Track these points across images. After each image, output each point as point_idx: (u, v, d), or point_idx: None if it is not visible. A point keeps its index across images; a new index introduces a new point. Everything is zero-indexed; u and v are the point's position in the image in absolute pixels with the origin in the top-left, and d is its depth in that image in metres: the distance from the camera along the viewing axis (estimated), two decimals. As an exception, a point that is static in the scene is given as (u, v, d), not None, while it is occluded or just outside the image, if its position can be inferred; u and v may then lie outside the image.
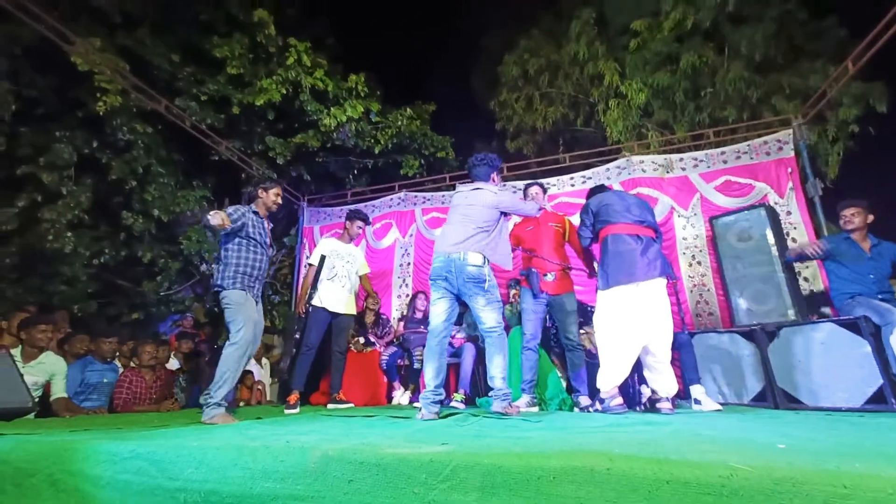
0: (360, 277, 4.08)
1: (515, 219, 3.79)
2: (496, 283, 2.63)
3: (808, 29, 7.20)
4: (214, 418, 2.36)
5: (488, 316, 2.52)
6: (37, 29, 4.08)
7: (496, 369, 2.49)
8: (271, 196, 2.97)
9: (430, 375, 2.53)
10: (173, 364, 4.42)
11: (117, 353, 3.88)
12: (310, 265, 3.80)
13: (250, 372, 4.77)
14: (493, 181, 2.84)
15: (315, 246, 4.73)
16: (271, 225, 3.06)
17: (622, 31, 8.09)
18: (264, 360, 5.65)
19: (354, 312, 3.99)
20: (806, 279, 4.13)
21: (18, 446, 1.51)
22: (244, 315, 2.64)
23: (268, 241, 2.94)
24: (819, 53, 7.09)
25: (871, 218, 3.27)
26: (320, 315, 3.62)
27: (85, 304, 6.10)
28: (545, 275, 3.15)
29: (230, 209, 2.76)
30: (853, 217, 3.27)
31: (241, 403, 4.48)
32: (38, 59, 5.70)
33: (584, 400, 3.02)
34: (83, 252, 5.90)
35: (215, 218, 2.47)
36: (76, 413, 3.13)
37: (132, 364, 3.75)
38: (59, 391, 3.16)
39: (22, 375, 2.74)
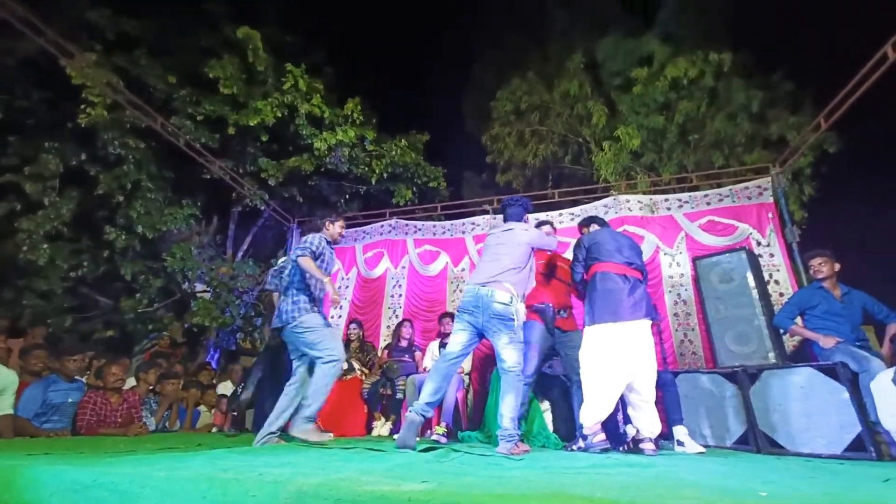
0: None
1: None
2: (521, 324, 2.64)
3: (758, 82, 7.70)
4: (308, 433, 2.42)
5: (510, 355, 2.51)
6: (37, 42, 4.12)
7: (507, 408, 2.46)
8: (336, 228, 3.20)
9: (427, 391, 2.53)
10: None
11: (87, 372, 3.72)
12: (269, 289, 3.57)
13: (225, 396, 4.61)
14: (525, 221, 3.01)
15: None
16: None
17: (615, 74, 8.48)
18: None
19: None
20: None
21: (-30, 471, 1.42)
22: (329, 333, 2.81)
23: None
24: (775, 104, 7.59)
25: (837, 266, 3.39)
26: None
27: (59, 319, 5.90)
28: (560, 311, 3.15)
29: (312, 242, 2.91)
30: (821, 266, 3.39)
31: (214, 429, 4.30)
32: (33, 72, 5.73)
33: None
34: (61, 265, 5.76)
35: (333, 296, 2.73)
36: (24, 434, 2.94)
37: (98, 384, 3.57)
38: (5, 408, 2.97)
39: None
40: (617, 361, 2.57)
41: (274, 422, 2.67)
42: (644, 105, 7.80)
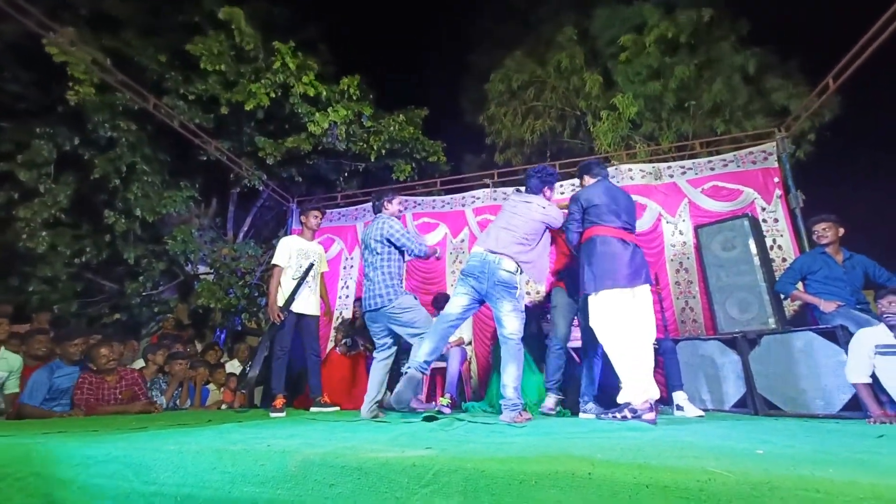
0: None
1: None
2: (524, 293, 2.68)
3: (754, 47, 7.49)
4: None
5: (511, 322, 2.54)
6: (23, 22, 4.00)
7: (509, 378, 2.48)
8: (395, 205, 3.28)
9: (425, 350, 2.57)
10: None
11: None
12: (275, 266, 3.57)
13: (234, 374, 4.69)
14: (545, 195, 2.91)
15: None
16: None
17: (610, 43, 8.27)
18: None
19: (319, 313, 3.82)
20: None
21: (-12, 449, 1.46)
22: (422, 311, 2.92)
23: None
24: (772, 69, 7.42)
25: (842, 231, 3.38)
26: (290, 318, 3.50)
27: (65, 304, 5.96)
28: None
29: (402, 226, 3.05)
30: (825, 231, 3.39)
31: (224, 406, 4.40)
32: (21, 54, 5.59)
33: (593, 407, 2.87)
34: (63, 251, 5.77)
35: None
36: (24, 415, 3.02)
37: (90, 367, 3.59)
38: (12, 387, 3.17)
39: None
40: (626, 326, 2.49)
41: (375, 395, 2.86)
42: (638, 73, 7.64)
